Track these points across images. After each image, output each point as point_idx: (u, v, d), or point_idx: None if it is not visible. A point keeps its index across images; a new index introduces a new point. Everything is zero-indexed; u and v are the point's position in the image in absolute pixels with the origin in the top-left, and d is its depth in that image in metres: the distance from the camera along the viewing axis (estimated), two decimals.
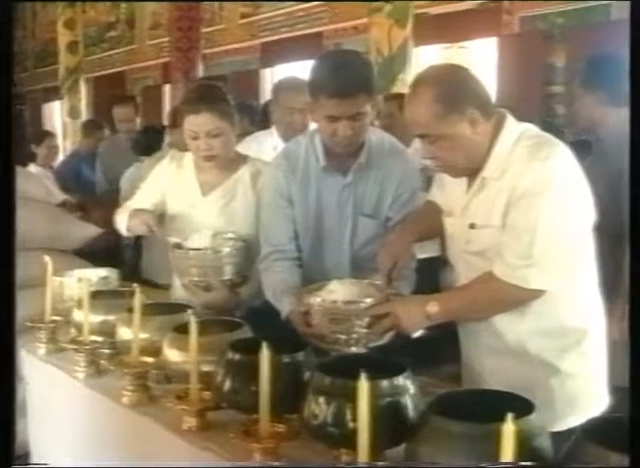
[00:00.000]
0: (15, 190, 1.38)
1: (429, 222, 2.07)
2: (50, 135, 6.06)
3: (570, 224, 1.74)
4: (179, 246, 2.35)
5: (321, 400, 1.36)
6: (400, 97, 3.98)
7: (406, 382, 1.37)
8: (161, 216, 2.50)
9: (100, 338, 2.11)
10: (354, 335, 1.89)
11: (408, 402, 1.35)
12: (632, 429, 1.08)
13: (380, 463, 1.30)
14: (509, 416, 1.03)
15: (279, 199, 2.27)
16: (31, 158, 5.51)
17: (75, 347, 2.09)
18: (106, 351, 2.13)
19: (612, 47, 6.60)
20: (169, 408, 1.75)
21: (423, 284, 2.23)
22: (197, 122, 2.38)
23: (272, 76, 10.21)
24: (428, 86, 1.75)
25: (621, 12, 6.95)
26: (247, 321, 1.92)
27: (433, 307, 1.80)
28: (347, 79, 2.04)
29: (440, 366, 2.53)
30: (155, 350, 1.86)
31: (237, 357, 1.57)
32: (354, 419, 1.28)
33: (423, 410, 1.30)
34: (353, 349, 1.91)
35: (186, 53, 8.07)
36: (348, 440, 1.29)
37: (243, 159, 2.56)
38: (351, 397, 1.27)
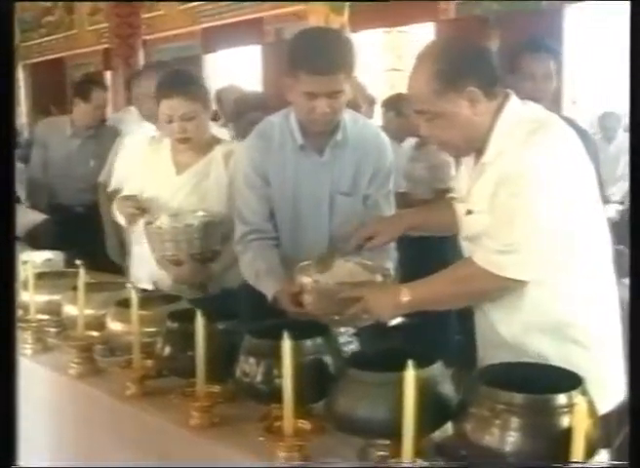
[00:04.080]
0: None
1: (433, 217, 2.06)
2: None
3: (557, 214, 1.64)
4: (152, 222, 2.41)
5: (251, 360, 1.51)
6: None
7: (327, 342, 1.53)
8: (145, 201, 2.55)
9: (46, 317, 2.22)
10: (347, 316, 1.87)
11: (329, 359, 1.51)
12: (632, 429, 1.17)
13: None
14: (409, 363, 1.19)
15: (255, 178, 2.27)
16: None
17: (22, 325, 2.19)
18: (53, 329, 2.24)
19: (544, 32, 6.90)
20: (113, 378, 1.89)
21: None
22: (171, 106, 2.44)
23: (215, 62, 10.27)
24: (428, 61, 1.71)
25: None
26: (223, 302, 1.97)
27: (405, 296, 1.75)
28: (329, 56, 2.04)
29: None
30: (99, 325, 1.98)
31: (175, 325, 1.70)
32: (281, 376, 1.42)
33: (341, 365, 1.45)
34: (342, 330, 1.95)
35: (126, 39, 8.03)
36: (276, 396, 1.43)
37: (217, 140, 2.62)
38: (278, 356, 1.41)
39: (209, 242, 2.39)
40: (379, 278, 1.97)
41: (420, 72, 1.72)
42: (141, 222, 2.46)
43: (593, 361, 1.73)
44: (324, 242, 2.27)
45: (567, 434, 1.14)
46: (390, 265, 2.17)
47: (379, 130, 2.39)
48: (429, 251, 2.88)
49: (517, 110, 1.75)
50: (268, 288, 2.13)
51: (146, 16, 9.33)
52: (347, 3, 5.87)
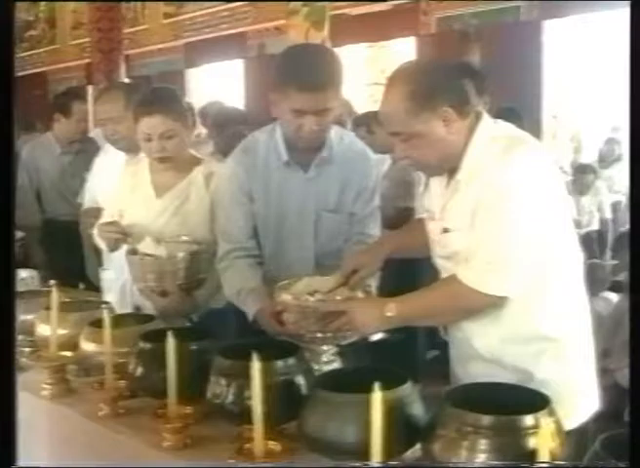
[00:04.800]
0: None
1: (412, 239, 2.03)
2: None
3: (537, 230, 1.67)
4: (134, 251, 2.29)
5: (222, 381, 1.51)
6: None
7: (298, 362, 1.53)
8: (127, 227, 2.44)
9: (19, 337, 2.19)
10: (329, 334, 1.87)
11: (301, 380, 1.51)
12: (633, 432, 1.14)
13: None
14: (376, 385, 1.20)
15: (239, 195, 2.23)
16: None
17: None
18: (27, 349, 2.22)
19: (521, 45, 6.97)
20: (87, 399, 1.88)
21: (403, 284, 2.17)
22: (150, 124, 2.35)
23: (198, 76, 10.30)
24: (400, 83, 1.72)
25: (529, 13, 7.31)
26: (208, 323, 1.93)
27: (390, 311, 1.74)
28: (319, 73, 2.02)
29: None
30: (73, 345, 1.96)
31: (148, 346, 1.70)
32: (251, 397, 1.42)
33: (312, 386, 1.45)
34: (324, 348, 1.92)
35: (108, 54, 8.03)
36: (247, 417, 1.43)
37: (197, 160, 2.53)
38: (249, 377, 1.40)
39: (194, 271, 2.27)
40: (360, 294, 1.97)
41: (392, 94, 1.73)
42: (123, 249, 2.37)
43: (568, 373, 1.76)
44: (309, 259, 2.25)
45: (534, 455, 1.15)
46: (372, 282, 2.14)
47: (365, 147, 2.37)
48: (406, 267, 2.90)
49: (490, 128, 1.77)
50: (250, 307, 2.10)
51: (129, 30, 9.36)
52: (327, 18, 5.91)
